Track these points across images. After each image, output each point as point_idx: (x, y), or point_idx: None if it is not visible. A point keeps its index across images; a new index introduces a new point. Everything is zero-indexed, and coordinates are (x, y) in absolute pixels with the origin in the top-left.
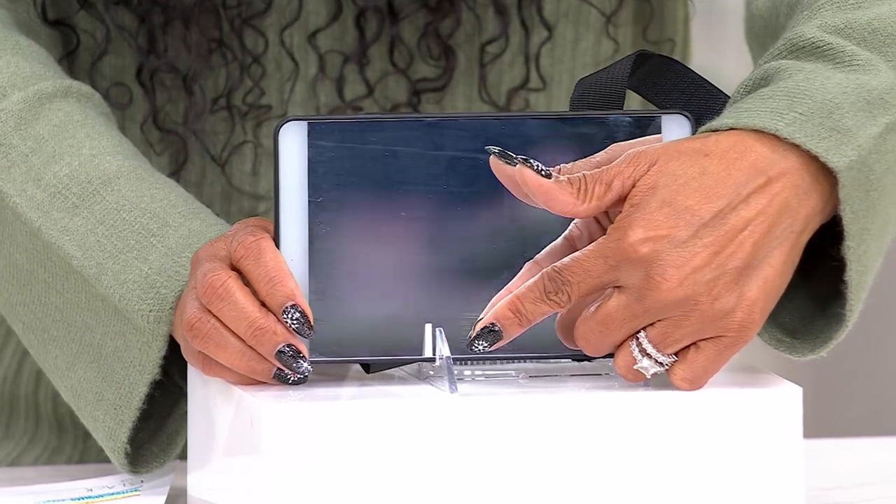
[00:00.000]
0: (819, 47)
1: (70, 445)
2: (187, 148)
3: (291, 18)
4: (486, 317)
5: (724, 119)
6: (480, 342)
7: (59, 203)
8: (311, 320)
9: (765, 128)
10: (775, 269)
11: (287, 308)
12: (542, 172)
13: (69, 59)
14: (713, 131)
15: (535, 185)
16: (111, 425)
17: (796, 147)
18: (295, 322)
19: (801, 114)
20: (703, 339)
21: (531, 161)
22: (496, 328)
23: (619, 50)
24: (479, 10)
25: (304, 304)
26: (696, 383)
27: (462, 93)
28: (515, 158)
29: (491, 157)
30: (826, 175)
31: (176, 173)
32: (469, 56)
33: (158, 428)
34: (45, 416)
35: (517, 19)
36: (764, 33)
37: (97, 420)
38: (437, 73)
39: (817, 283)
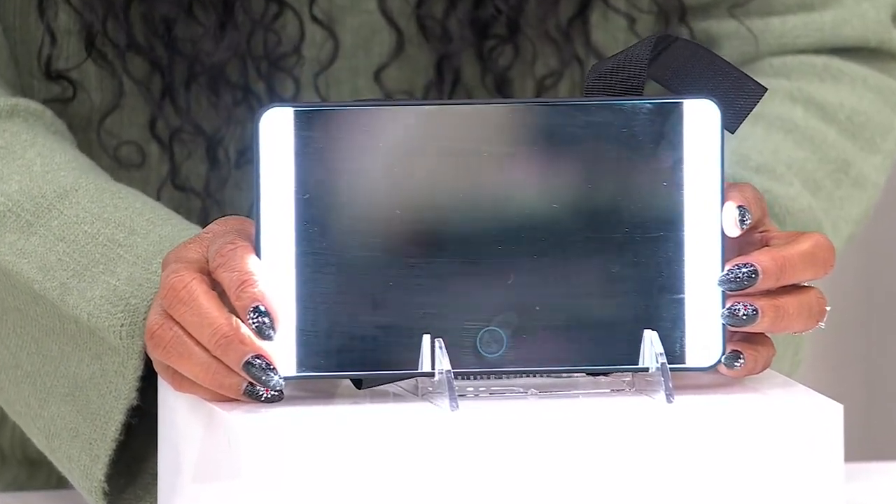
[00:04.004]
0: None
1: (42, 480)
2: (208, 214)
3: (328, 60)
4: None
5: None
6: (747, 216)
7: (10, 223)
8: (276, 320)
9: None
10: None
11: (251, 310)
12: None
13: (65, 112)
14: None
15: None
16: (86, 462)
17: None
18: (255, 321)
19: None
20: None
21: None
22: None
23: None
24: (535, 40)
25: (270, 306)
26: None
27: None
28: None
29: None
30: None
31: None
32: (526, 88)
33: (140, 469)
34: (11, 458)
35: (568, 50)
36: None
37: (72, 459)
38: None
39: None
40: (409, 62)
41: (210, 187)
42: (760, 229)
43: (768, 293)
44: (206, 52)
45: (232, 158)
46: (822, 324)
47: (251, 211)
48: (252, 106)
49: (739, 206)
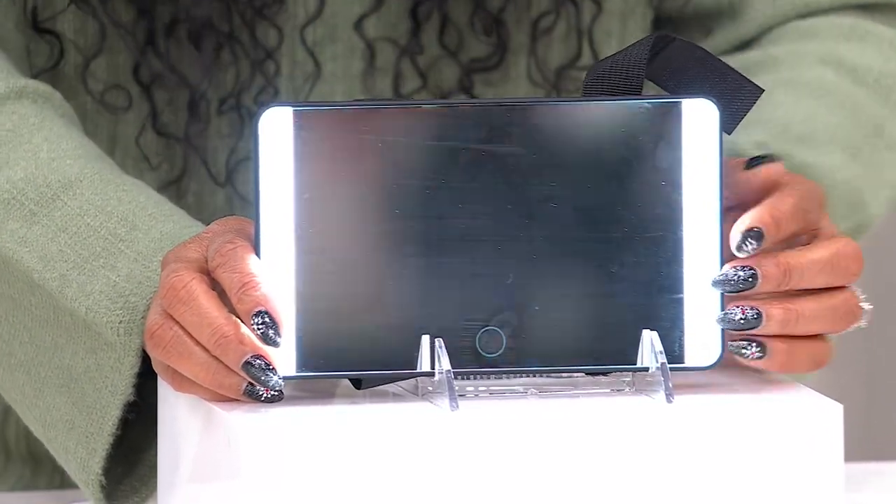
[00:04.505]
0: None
1: (46, 479)
2: (188, 160)
3: (315, 11)
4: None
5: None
6: (750, 242)
7: (14, 211)
8: (280, 326)
9: None
10: None
11: (255, 314)
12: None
13: (53, 69)
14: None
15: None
16: (83, 455)
17: None
18: (260, 326)
19: None
20: None
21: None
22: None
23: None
24: None
25: (274, 310)
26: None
27: (513, 72)
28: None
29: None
30: None
31: (176, 181)
32: (521, 32)
33: (137, 459)
34: (16, 454)
35: None
36: None
37: (68, 451)
38: (489, 52)
39: None
40: (390, 10)
41: (190, 133)
42: (811, 230)
43: (784, 294)
44: None
45: (213, 106)
46: (861, 324)
47: (230, 158)
48: (235, 53)
49: (747, 231)
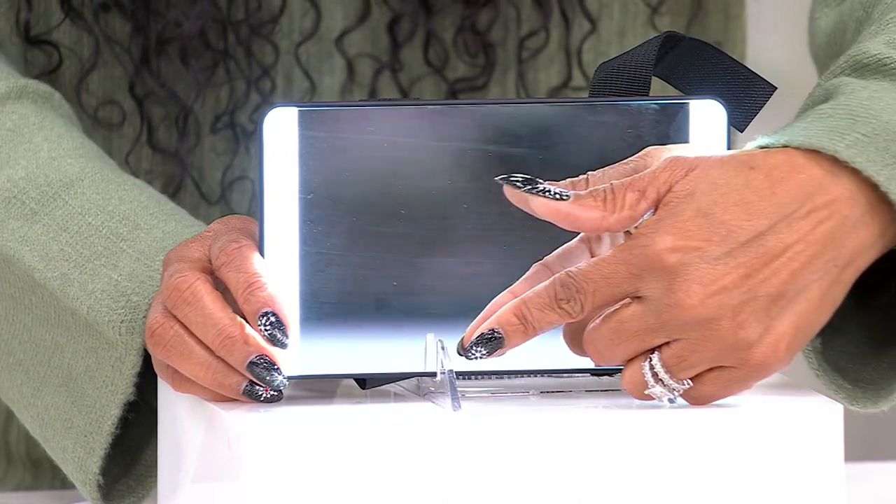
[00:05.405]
0: (885, 64)
1: (47, 484)
2: (182, 177)
3: (310, 29)
4: (488, 321)
5: (778, 135)
6: (479, 349)
7: (15, 210)
8: (287, 327)
9: (822, 148)
10: (811, 304)
11: (262, 315)
12: (556, 195)
13: (53, 73)
14: (764, 147)
15: (551, 211)
16: (81, 455)
17: (853, 172)
18: (267, 328)
19: (863, 135)
20: (718, 368)
21: (540, 185)
22: (498, 335)
23: None
24: (518, 1)
25: (281, 311)
26: (697, 403)
27: (501, 93)
28: (523, 187)
29: (504, 187)
30: (884, 206)
31: (171, 197)
32: (508, 52)
33: (134, 459)
34: (17, 457)
35: (558, 11)
36: (826, 53)
37: (66, 450)
38: (476, 72)
39: (881, 324)
40: (371, 24)
41: (183, 150)
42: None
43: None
44: (184, 14)
45: (207, 123)
46: (660, 396)
47: (224, 176)
48: (230, 71)
49: (479, 336)
